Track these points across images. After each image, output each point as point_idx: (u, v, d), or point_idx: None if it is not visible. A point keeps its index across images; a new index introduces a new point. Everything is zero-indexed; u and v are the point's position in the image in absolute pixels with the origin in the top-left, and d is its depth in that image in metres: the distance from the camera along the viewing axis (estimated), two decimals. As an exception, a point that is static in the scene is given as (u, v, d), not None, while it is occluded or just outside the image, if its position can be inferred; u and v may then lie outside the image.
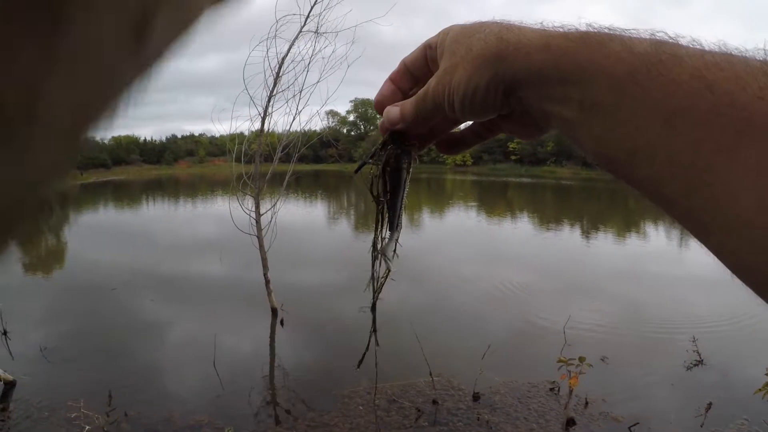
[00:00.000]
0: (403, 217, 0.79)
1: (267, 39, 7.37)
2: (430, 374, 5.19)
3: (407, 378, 5.43)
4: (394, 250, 0.80)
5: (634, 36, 0.52)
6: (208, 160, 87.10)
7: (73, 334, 6.85)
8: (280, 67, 7.49)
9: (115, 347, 6.33)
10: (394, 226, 0.78)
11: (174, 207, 27.40)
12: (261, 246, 7.55)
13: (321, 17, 7.57)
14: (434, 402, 4.99)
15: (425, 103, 0.68)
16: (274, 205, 7.72)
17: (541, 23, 0.60)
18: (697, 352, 6.03)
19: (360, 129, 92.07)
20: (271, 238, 7.54)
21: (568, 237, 16.02)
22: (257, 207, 7.58)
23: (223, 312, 7.80)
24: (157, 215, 23.43)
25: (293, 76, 7.60)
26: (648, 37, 0.51)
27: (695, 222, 0.47)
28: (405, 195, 0.77)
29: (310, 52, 7.63)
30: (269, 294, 7.50)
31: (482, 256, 12.71)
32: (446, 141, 0.80)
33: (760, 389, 4.26)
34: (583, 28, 0.56)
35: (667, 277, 10.36)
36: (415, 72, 0.74)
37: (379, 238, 0.79)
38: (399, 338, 6.34)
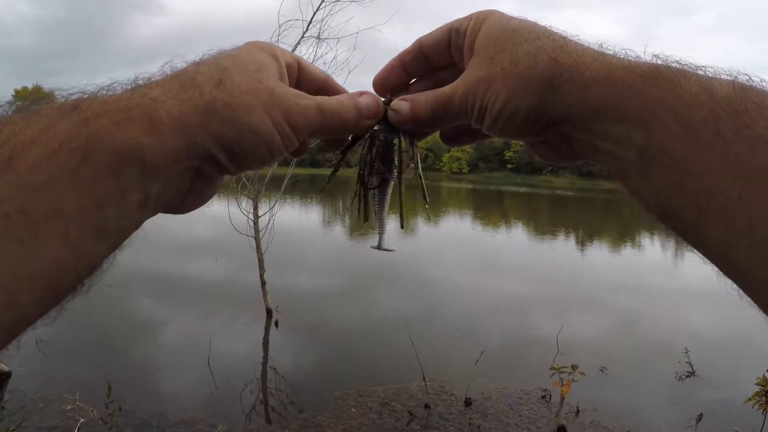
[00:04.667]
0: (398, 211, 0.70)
1: (269, 43, 7.41)
2: (424, 378, 5.21)
3: (400, 382, 5.45)
4: (378, 245, 0.70)
5: (712, 75, 0.45)
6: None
7: (69, 329, 6.81)
8: (281, 72, 7.52)
9: (110, 342, 6.34)
10: (381, 221, 0.70)
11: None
12: (258, 247, 7.56)
13: (323, 23, 7.62)
14: (426, 406, 5.02)
15: (449, 107, 0.58)
16: (272, 207, 7.74)
17: (601, 45, 0.52)
18: (689, 363, 6.06)
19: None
20: (268, 240, 7.57)
21: (564, 247, 16.06)
22: (255, 209, 7.60)
23: (218, 312, 7.79)
24: (151, 220, 23.34)
25: (294, 81, 7.64)
26: (728, 78, 0.44)
27: None
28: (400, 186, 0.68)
29: (312, 57, 7.66)
30: (265, 295, 7.51)
31: (477, 264, 12.72)
32: (450, 132, 0.69)
33: (750, 399, 4.29)
34: (649, 58, 0.49)
35: (661, 288, 10.40)
36: (432, 57, 0.64)
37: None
38: (393, 342, 6.38)
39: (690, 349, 6.13)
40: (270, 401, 5.21)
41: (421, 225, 19.61)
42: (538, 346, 6.53)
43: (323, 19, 7.59)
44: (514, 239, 17.79)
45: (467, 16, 0.60)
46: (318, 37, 7.64)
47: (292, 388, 5.41)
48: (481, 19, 0.58)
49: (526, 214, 27.00)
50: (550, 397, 5.25)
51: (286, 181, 7.90)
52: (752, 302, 0.41)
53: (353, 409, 4.92)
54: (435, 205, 26.58)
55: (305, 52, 7.65)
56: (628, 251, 15.53)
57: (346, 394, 5.19)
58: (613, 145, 0.47)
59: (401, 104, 0.62)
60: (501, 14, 0.58)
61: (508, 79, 0.52)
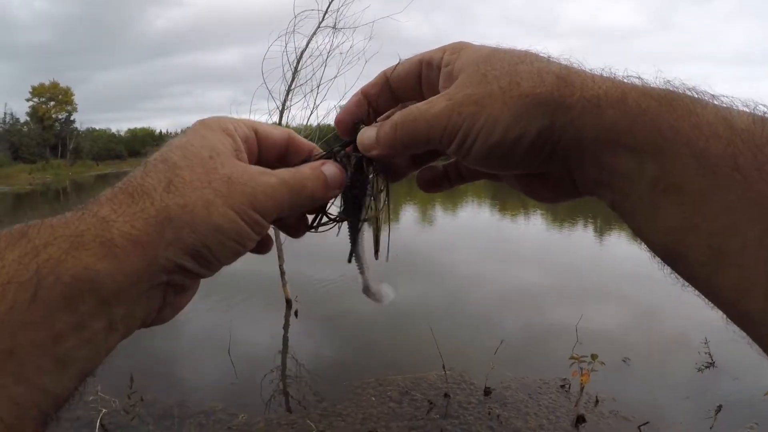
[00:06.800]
0: (380, 247, 0.65)
1: (286, 34, 7.41)
2: (443, 367, 5.22)
3: (420, 371, 5.47)
4: (364, 280, 0.65)
5: (730, 105, 0.41)
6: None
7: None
8: (298, 62, 7.53)
9: (132, 334, 6.39)
10: (360, 260, 0.65)
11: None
12: (277, 237, 7.58)
13: (339, 13, 7.61)
14: (446, 395, 5.03)
15: (416, 127, 0.51)
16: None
17: (605, 69, 0.47)
18: (709, 354, 6.02)
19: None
20: (286, 230, 7.59)
21: (582, 236, 15.96)
22: (274, 199, 7.61)
23: (238, 302, 7.87)
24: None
25: (311, 71, 7.65)
26: (746, 110, 0.40)
27: None
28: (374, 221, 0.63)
29: (328, 47, 7.67)
30: (284, 285, 7.55)
31: (496, 253, 12.68)
32: (428, 177, 0.64)
33: (770, 391, 4.25)
34: (661, 83, 0.44)
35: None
36: (400, 91, 0.59)
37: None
38: (412, 332, 6.39)
39: (710, 340, 6.07)
40: (290, 391, 5.26)
41: (440, 215, 19.58)
42: (557, 335, 6.51)
43: (339, 8, 7.58)
44: (533, 228, 17.69)
45: (439, 48, 0.55)
46: (334, 27, 7.63)
47: (311, 378, 5.45)
48: (457, 48, 0.53)
49: (543, 204, 26.77)
50: (569, 387, 5.24)
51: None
52: (763, 353, 0.39)
53: (373, 398, 4.94)
54: (453, 194, 26.52)
55: (321, 42, 7.64)
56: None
57: (366, 383, 5.22)
58: (622, 178, 0.43)
59: (368, 131, 0.57)
60: (480, 44, 0.53)
61: (509, 99, 0.46)
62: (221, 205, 0.46)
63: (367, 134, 0.56)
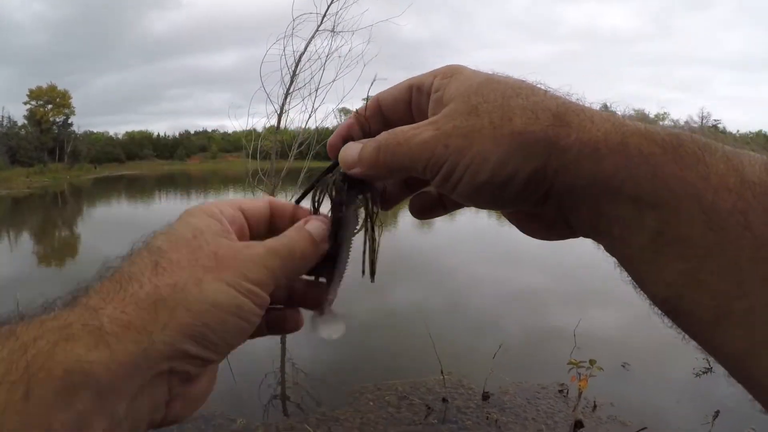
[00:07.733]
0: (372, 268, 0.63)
1: (284, 37, 7.40)
2: (441, 372, 5.22)
3: (418, 376, 5.47)
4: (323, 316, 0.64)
5: (740, 151, 0.39)
6: (220, 156, 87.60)
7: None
8: (297, 65, 7.53)
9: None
10: (333, 281, 0.62)
11: (186, 201, 27.55)
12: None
13: (338, 16, 7.61)
14: (444, 400, 5.02)
15: (398, 154, 0.49)
16: (290, 201, 7.75)
17: (606, 106, 0.45)
18: (707, 359, 6.01)
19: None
20: (285, 235, 7.58)
21: (579, 240, 15.93)
22: (272, 204, 7.60)
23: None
24: (170, 209, 23.55)
25: (310, 74, 7.65)
26: (756, 154, 0.38)
27: None
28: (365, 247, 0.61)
29: (327, 50, 7.66)
30: (281, 289, 7.52)
31: (494, 257, 12.68)
32: (420, 203, 0.61)
33: None
34: (667, 124, 0.43)
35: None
36: (391, 116, 0.56)
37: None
38: (411, 336, 6.38)
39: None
40: (288, 395, 5.25)
41: (437, 219, 19.54)
42: (556, 340, 6.50)
43: (338, 12, 7.58)
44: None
45: (430, 72, 0.52)
46: (333, 30, 7.64)
47: (310, 383, 5.45)
48: (449, 73, 0.51)
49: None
50: (568, 392, 5.24)
51: (302, 174, 7.89)
52: (765, 411, 0.37)
53: (371, 403, 4.94)
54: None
55: (320, 45, 7.65)
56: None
57: (364, 388, 5.23)
58: (622, 227, 0.41)
59: (353, 146, 0.54)
60: (474, 69, 0.51)
61: (500, 137, 0.43)
62: (212, 280, 0.45)
63: (350, 150, 0.54)
